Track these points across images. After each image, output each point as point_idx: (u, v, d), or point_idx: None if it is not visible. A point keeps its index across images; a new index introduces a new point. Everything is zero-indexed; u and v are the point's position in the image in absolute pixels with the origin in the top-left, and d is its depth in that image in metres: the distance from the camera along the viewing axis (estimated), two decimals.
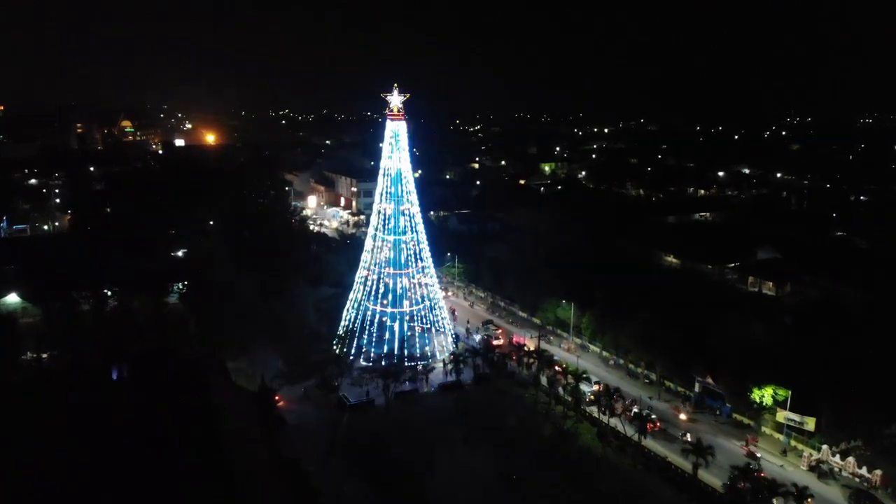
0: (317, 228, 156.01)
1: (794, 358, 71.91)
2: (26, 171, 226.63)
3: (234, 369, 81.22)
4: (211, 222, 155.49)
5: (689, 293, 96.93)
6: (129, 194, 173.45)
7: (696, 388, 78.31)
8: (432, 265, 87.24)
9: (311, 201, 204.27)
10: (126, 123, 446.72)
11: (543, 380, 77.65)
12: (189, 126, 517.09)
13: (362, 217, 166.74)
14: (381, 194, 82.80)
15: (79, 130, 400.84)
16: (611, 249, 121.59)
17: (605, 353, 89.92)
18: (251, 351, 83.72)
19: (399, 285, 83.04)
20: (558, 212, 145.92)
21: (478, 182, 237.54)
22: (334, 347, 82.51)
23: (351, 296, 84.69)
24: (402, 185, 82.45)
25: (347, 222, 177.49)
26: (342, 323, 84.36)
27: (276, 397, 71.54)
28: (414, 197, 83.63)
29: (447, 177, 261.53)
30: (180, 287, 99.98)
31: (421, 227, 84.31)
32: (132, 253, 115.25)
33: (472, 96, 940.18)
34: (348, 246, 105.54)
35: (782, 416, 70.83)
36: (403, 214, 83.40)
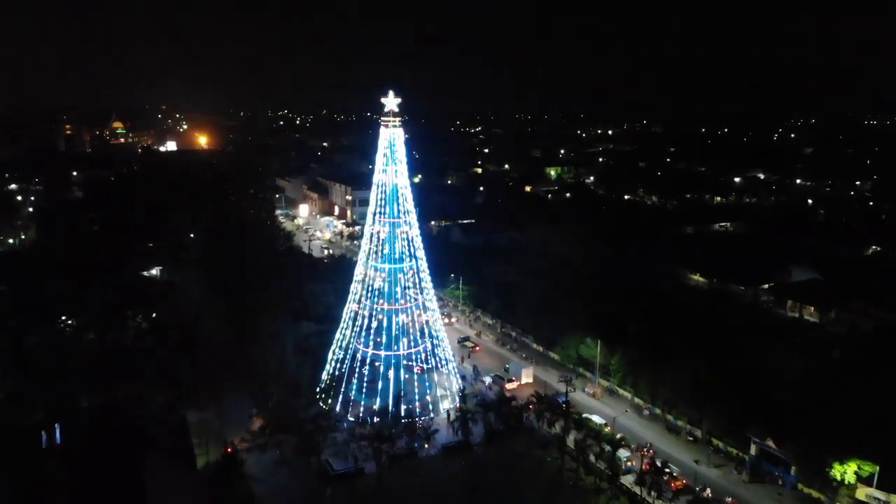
0: (308, 239, 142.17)
1: (874, 416, 58.78)
2: (6, 175, 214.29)
3: (199, 423, 68.41)
4: (192, 234, 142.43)
5: (730, 324, 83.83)
6: (106, 204, 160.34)
7: (753, 451, 64.88)
8: (434, 297, 73.75)
9: (304, 210, 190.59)
10: (118, 125, 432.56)
11: (571, 439, 64.19)
12: (185, 127, 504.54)
13: (357, 229, 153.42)
14: (375, 214, 69.29)
15: (67, 132, 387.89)
16: (635, 270, 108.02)
17: (637, 401, 76.41)
18: (221, 399, 70.64)
19: (395, 323, 69.50)
20: (572, 225, 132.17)
21: (481, 188, 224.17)
22: (318, 398, 69.13)
23: (338, 334, 71.16)
24: (398, 204, 69.01)
25: (341, 233, 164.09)
26: (327, 367, 70.89)
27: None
28: (413, 217, 70.12)
29: (448, 182, 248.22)
30: (142, 318, 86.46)
31: (421, 253, 70.72)
32: (95, 275, 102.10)
33: (472, 97, 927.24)
34: (338, 270, 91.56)
35: (864, 493, 57.67)
36: (401, 238, 69.90)
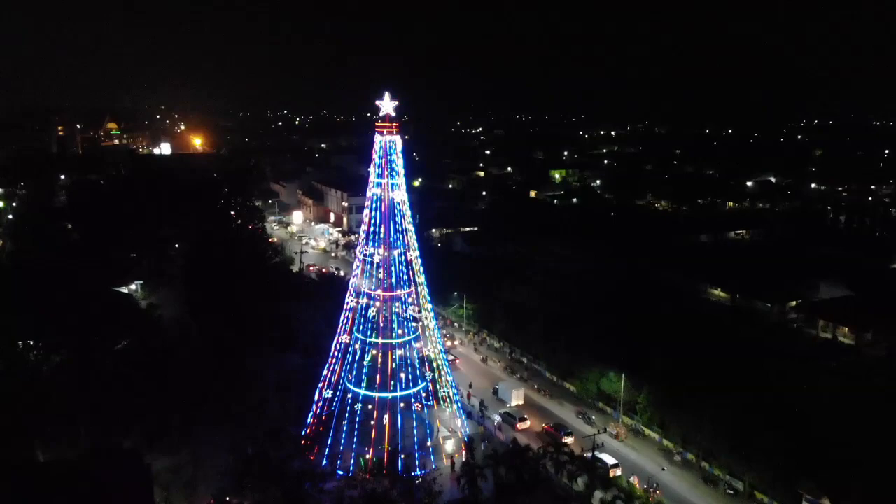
0: (300, 251, 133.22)
1: None
2: None
3: (168, 469, 59.58)
4: (177, 245, 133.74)
5: (765, 351, 75.25)
6: (88, 212, 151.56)
7: None
8: (436, 327, 64.81)
9: (297, 217, 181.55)
10: (112, 126, 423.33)
11: (596, 500, 55.29)
12: (183, 127, 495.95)
13: (353, 237, 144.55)
14: (369, 234, 60.37)
15: (60, 133, 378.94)
16: (655, 287, 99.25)
17: (667, 443, 67.45)
18: (193, 442, 61.92)
19: (391, 358, 60.52)
20: (583, 238, 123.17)
21: (483, 192, 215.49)
22: (303, 443, 60.27)
23: (325, 371, 62.20)
24: (396, 223, 60.12)
25: (336, 242, 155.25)
26: (313, 409, 61.98)
27: None
28: (412, 237, 61.18)
29: (449, 186, 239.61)
30: (111, 343, 77.46)
31: (422, 278, 61.73)
32: (65, 291, 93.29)
33: (472, 97, 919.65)
34: (329, 290, 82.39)
35: None
36: (398, 261, 60.90)
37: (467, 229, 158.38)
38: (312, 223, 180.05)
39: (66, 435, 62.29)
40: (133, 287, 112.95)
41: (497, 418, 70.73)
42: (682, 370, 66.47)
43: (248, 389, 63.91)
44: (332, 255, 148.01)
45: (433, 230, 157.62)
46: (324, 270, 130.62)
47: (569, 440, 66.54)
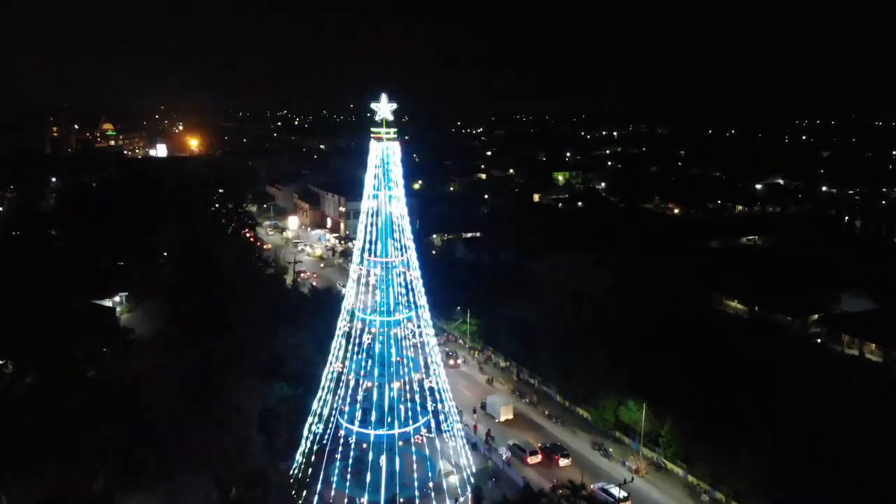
0: (294, 260, 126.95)
1: None
2: None
3: None
4: (164, 253, 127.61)
5: (796, 373, 69.20)
6: (76, 218, 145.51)
7: None
8: (438, 353, 58.60)
9: (293, 222, 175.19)
10: (108, 126, 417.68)
11: None
12: (181, 128, 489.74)
13: (350, 244, 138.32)
14: (363, 252, 54.16)
15: (54, 134, 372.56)
16: (672, 300, 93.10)
17: (692, 479, 61.24)
18: (169, 481, 55.96)
19: (388, 391, 54.23)
20: (594, 250, 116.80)
21: (485, 196, 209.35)
22: (290, 483, 54.09)
23: (315, 404, 55.94)
24: (394, 240, 53.89)
25: (333, 249, 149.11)
26: (301, 447, 55.74)
27: None
28: (413, 254, 54.96)
29: (451, 189, 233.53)
30: (85, 365, 71.33)
31: (423, 300, 55.45)
32: (42, 305, 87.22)
33: (472, 97, 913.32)
34: (322, 308, 75.85)
35: None
36: (397, 282, 54.64)
37: (469, 235, 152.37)
38: (309, 229, 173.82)
39: (33, 473, 56.26)
40: (117, 299, 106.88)
41: (506, 452, 64.51)
42: (710, 398, 60.39)
43: (231, 424, 57.65)
44: (329, 263, 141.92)
45: (434, 236, 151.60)
46: (315, 277, 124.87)
47: (565, 463, 63.01)
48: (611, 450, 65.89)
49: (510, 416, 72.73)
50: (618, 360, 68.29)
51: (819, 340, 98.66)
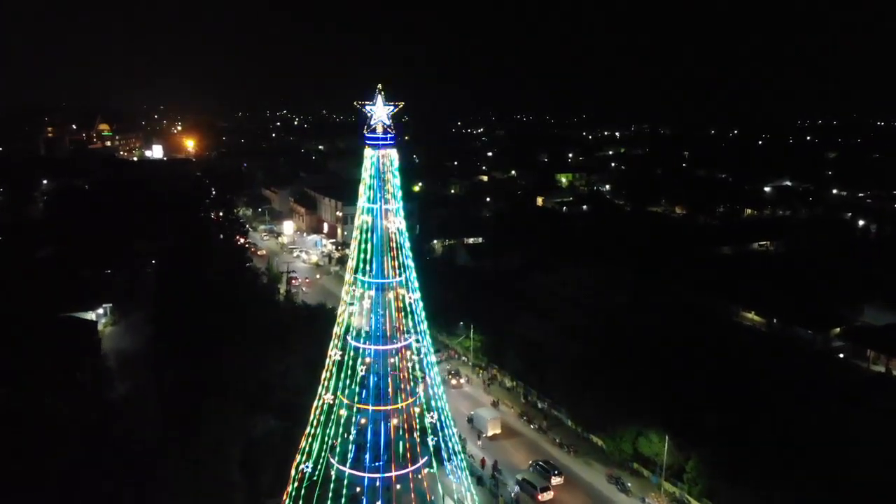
0: (287, 270, 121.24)
1: None
2: None
3: None
4: (153, 261, 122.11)
5: (827, 397, 63.74)
6: (65, 223, 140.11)
7: None
8: (442, 391, 52.75)
9: (288, 227, 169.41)
10: (104, 127, 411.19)
11: None
12: (179, 128, 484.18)
13: (347, 251, 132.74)
14: (357, 270, 48.41)
15: (49, 134, 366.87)
16: (690, 316, 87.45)
17: None
18: None
19: (383, 429, 48.48)
20: (600, 254, 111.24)
21: (487, 199, 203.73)
22: None
23: (303, 442, 50.19)
24: (391, 257, 48.16)
25: (329, 256, 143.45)
26: (288, 488, 49.99)
27: None
28: (412, 274, 49.17)
29: (451, 191, 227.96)
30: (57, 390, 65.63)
31: (424, 325, 49.70)
32: (19, 319, 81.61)
33: (472, 97, 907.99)
34: (315, 327, 69.96)
35: None
36: (396, 306, 48.83)
37: (471, 240, 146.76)
38: (305, 234, 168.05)
39: None
40: (101, 311, 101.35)
41: (515, 487, 58.88)
42: (740, 432, 54.80)
43: (212, 460, 51.97)
44: (325, 270, 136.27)
45: (434, 242, 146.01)
46: (308, 283, 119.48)
47: (557, 481, 59.12)
48: (629, 484, 60.30)
49: (498, 431, 69.45)
50: (635, 381, 62.65)
51: (842, 355, 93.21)
